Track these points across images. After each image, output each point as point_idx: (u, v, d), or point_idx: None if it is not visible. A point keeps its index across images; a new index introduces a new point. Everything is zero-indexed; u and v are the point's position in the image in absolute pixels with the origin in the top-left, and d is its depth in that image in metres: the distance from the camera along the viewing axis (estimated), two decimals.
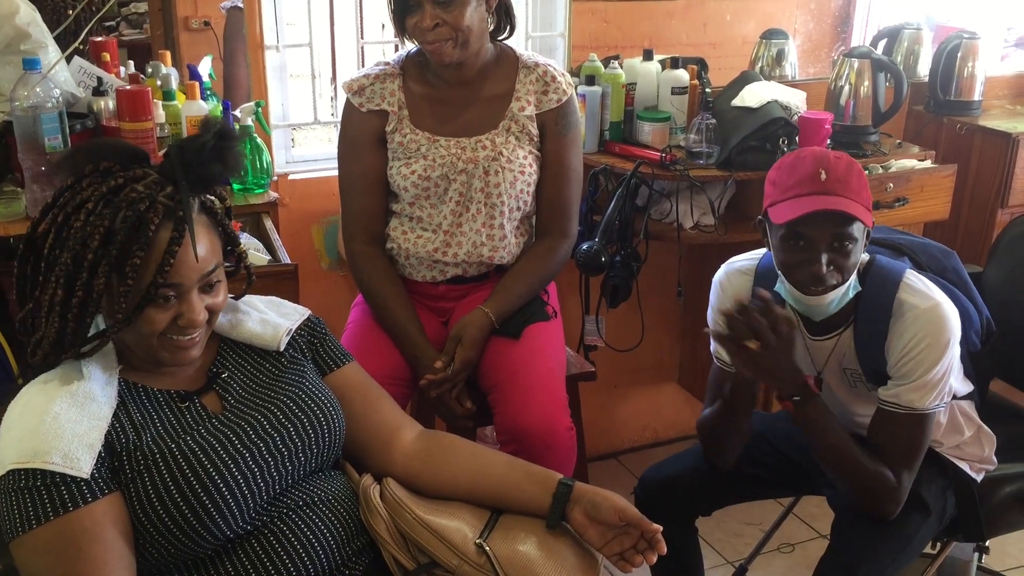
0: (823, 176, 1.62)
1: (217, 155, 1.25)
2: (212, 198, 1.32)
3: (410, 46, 2.02)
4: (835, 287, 1.64)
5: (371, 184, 2.02)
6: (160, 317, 1.23)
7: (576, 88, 2.08)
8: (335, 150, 2.11)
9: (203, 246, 1.25)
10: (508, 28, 2.03)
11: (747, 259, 1.85)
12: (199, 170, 1.24)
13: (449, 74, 1.98)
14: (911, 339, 1.65)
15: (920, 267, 1.81)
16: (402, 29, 1.93)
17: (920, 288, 1.68)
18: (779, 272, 1.70)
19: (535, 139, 2.03)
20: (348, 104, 2.02)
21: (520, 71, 2.02)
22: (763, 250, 1.82)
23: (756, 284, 1.79)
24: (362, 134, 2.01)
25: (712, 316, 1.86)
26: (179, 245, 1.20)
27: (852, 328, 1.73)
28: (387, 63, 2.04)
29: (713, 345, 1.85)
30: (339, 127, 2.08)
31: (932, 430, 1.71)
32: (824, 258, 1.62)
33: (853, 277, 1.66)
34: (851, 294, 1.68)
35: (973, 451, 1.85)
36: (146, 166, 1.26)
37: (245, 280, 1.41)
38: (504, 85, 2.02)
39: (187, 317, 1.24)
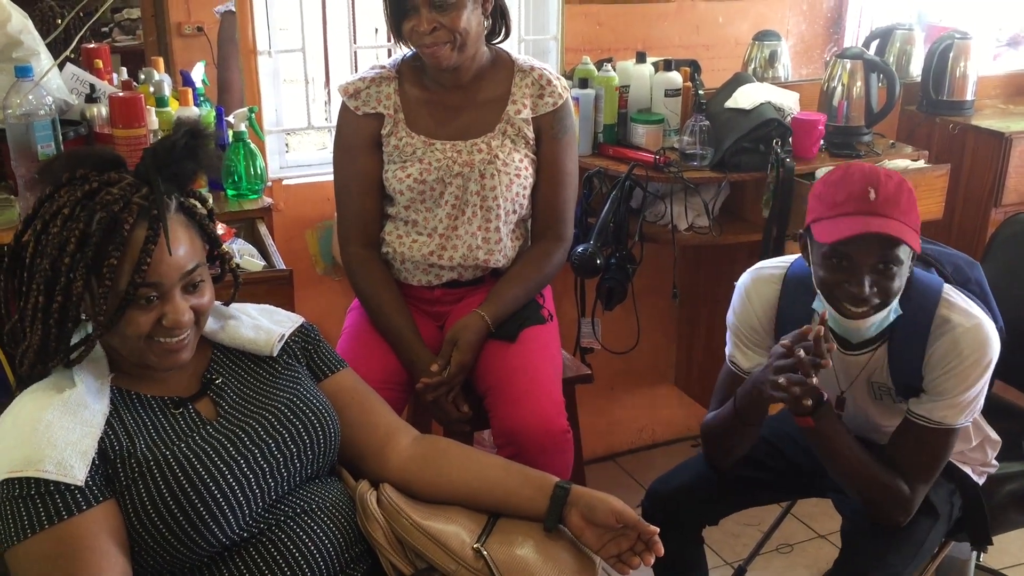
0: (872, 195, 1.55)
1: (189, 153, 1.25)
2: (193, 200, 1.32)
3: (405, 50, 2.02)
4: (876, 308, 1.59)
5: (367, 187, 2.02)
6: (143, 319, 1.23)
7: (569, 91, 2.09)
8: (329, 155, 2.11)
9: (181, 245, 1.25)
10: (504, 31, 2.03)
11: (775, 266, 1.80)
12: (172, 168, 1.24)
13: (445, 77, 1.98)
14: (954, 357, 1.61)
15: (945, 278, 1.75)
16: (398, 33, 1.92)
17: (961, 305, 1.64)
18: (818, 290, 1.64)
19: (531, 143, 2.03)
20: (344, 107, 2.02)
21: (516, 74, 2.02)
22: (792, 257, 1.79)
23: (784, 292, 1.75)
24: (358, 137, 2.01)
25: (734, 321, 1.82)
26: (155, 244, 1.20)
27: (888, 343, 1.69)
28: (383, 66, 2.04)
29: (729, 349, 1.83)
30: (334, 131, 2.08)
31: (955, 443, 1.70)
32: (867, 280, 1.55)
33: (895, 301, 1.61)
34: (891, 317, 1.62)
35: (976, 456, 1.85)
36: (122, 171, 1.26)
37: (232, 284, 1.41)
38: (500, 88, 2.02)
39: (171, 317, 1.24)
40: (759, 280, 1.79)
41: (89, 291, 1.20)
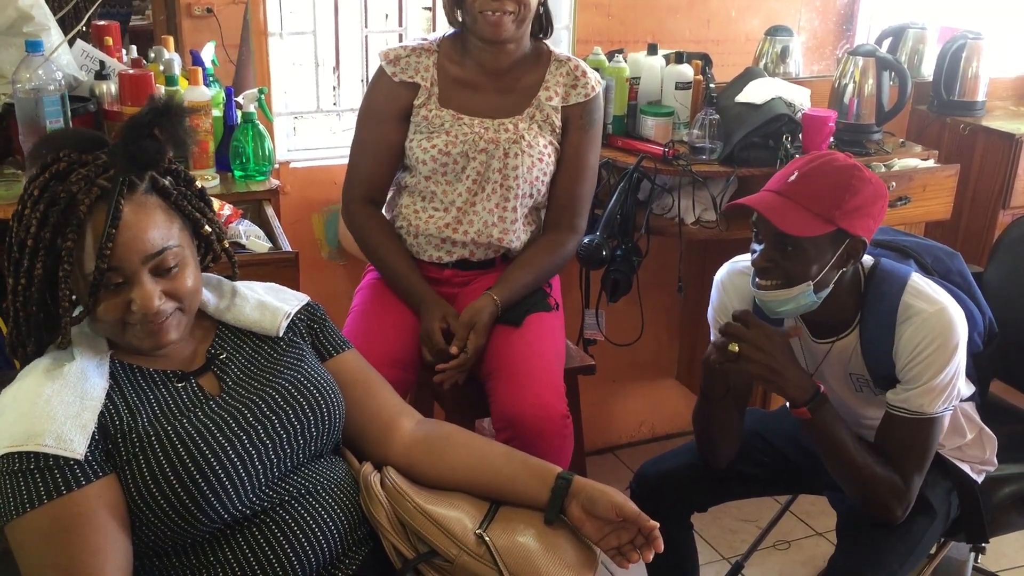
0: (792, 177, 1.59)
1: (151, 132, 1.22)
2: (166, 180, 1.27)
3: (445, 29, 2.05)
4: (778, 286, 1.60)
5: (383, 152, 2.05)
6: (113, 303, 1.21)
7: (602, 85, 2.11)
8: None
9: (148, 227, 1.22)
10: (548, 29, 2.08)
11: (750, 259, 1.81)
12: (130, 148, 1.20)
13: (486, 58, 2.01)
14: (919, 343, 1.61)
15: (925, 269, 1.78)
16: (459, 1, 1.96)
17: (926, 291, 1.65)
18: None
19: (557, 130, 2.05)
20: (380, 72, 2.05)
21: (551, 63, 2.06)
22: None
23: None
24: (387, 103, 2.04)
25: (713, 315, 1.84)
26: (116, 227, 1.18)
27: (857, 332, 1.70)
28: (425, 39, 2.09)
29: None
30: (365, 92, 2.11)
31: (940, 433, 1.70)
32: (765, 251, 1.60)
33: (808, 290, 1.60)
34: (803, 303, 1.61)
35: (974, 453, 1.84)
36: (100, 151, 1.23)
37: (230, 265, 1.38)
38: (534, 77, 2.05)
39: (138, 302, 1.21)
40: (735, 273, 1.80)
41: (46, 274, 1.19)
